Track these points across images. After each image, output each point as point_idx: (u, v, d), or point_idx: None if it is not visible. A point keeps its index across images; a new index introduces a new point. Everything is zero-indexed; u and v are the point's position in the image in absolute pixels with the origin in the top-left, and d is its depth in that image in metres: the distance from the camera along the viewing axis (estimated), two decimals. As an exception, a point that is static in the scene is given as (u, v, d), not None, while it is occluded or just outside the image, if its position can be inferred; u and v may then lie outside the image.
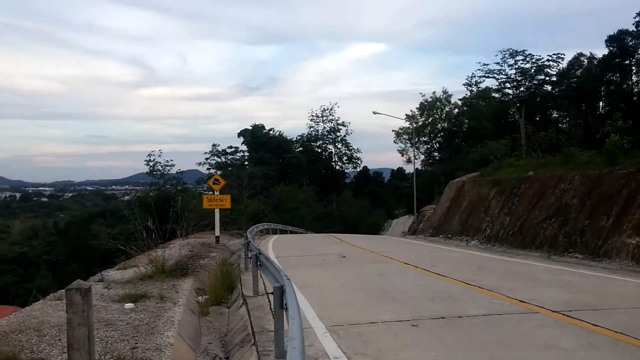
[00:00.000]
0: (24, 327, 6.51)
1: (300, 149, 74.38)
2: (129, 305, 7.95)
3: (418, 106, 66.81)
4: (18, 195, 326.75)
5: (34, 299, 8.46)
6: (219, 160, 63.50)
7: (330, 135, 77.29)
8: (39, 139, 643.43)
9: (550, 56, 49.22)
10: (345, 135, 77.27)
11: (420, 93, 68.46)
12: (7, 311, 9.59)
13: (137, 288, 9.19)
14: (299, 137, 76.88)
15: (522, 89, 50.54)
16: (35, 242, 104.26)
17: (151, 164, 46.75)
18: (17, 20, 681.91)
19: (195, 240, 19.05)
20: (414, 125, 62.18)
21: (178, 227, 15.65)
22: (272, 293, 5.55)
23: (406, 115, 65.62)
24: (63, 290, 6.47)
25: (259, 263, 9.39)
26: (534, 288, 9.41)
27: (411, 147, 63.32)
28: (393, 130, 69.31)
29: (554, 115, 53.95)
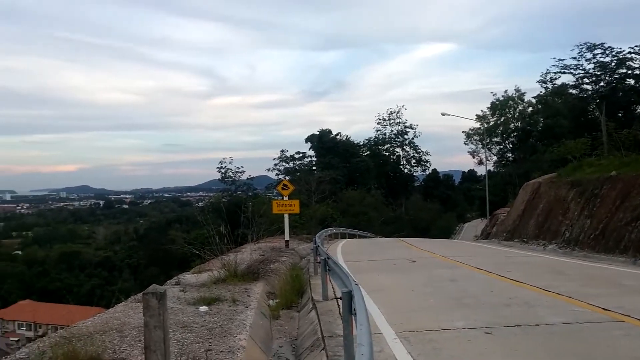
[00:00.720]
0: (107, 328, 6.89)
1: (368, 152, 74.10)
2: (203, 308, 8.22)
3: (489, 106, 64.63)
4: (102, 202, 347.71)
5: (116, 301, 8.94)
6: (288, 166, 64.49)
7: (398, 138, 76.51)
8: (120, 149, 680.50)
9: (633, 48, 46.14)
10: (413, 138, 76.29)
11: (491, 92, 65.90)
12: (92, 312, 10.18)
13: (211, 291, 9.49)
14: (366, 141, 76.67)
15: (602, 84, 47.68)
16: (117, 246, 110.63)
17: (223, 170, 48.42)
18: (99, 40, 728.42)
19: (265, 244, 19.44)
20: (485, 126, 60.26)
21: (249, 232, 16.02)
22: (341, 298, 5.55)
23: (477, 115, 63.69)
24: (142, 293, 6.79)
25: (327, 267, 9.43)
26: (619, 295, 8.83)
27: (483, 148, 61.43)
28: (463, 132, 67.43)
29: (639, 110, 50.48)
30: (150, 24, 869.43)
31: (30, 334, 65.37)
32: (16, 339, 65.49)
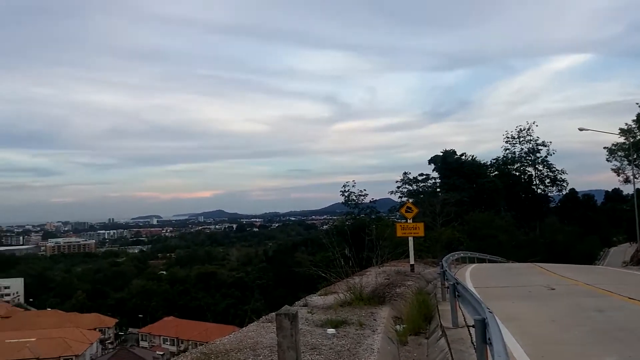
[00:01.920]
0: (242, 347, 7.20)
1: (496, 173, 70.67)
2: (330, 330, 8.27)
3: (635, 118, 58.52)
4: (235, 226, 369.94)
5: (249, 320, 9.33)
6: (411, 188, 63.57)
7: (529, 156, 72.07)
8: (251, 175, 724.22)
9: None
10: (546, 156, 71.35)
11: (637, 103, 59.60)
12: (228, 330, 10.73)
13: (338, 314, 9.53)
14: (494, 161, 73.19)
15: None
16: (249, 268, 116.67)
17: (346, 194, 49.10)
18: (234, 74, 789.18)
19: (390, 268, 19.19)
20: (631, 140, 54.57)
21: (373, 255, 15.94)
22: (472, 326, 5.25)
23: (620, 129, 57.95)
24: (273, 314, 7.02)
25: (456, 293, 9.03)
26: None
27: (629, 164, 55.60)
28: (605, 148, 61.65)
29: None
30: (277, 57, 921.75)
31: (174, 348, 70.89)
32: (161, 352, 71.39)
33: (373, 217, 47.29)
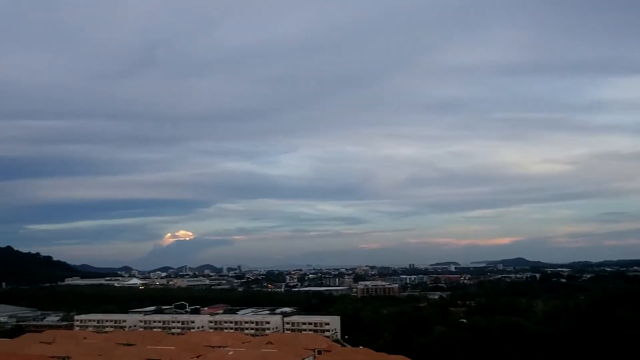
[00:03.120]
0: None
1: None
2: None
3: None
4: (537, 275, 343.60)
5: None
6: None
7: None
8: (553, 220, 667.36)
9: None
10: None
11: None
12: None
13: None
14: None
15: None
16: (558, 322, 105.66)
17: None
18: (531, 114, 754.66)
19: None
20: None
21: None
22: None
23: None
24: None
25: None
26: None
27: None
28: None
29: None
30: (577, 90, 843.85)
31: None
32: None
33: None
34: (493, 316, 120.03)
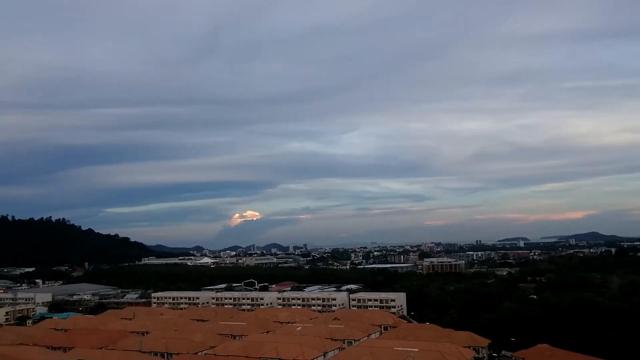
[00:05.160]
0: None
1: None
2: None
3: None
4: (613, 250, 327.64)
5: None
6: None
7: None
8: (629, 192, 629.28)
9: None
10: None
11: None
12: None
13: None
14: None
15: None
16: (635, 298, 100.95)
17: None
18: (608, 82, 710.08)
19: None
20: None
21: None
22: None
23: None
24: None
25: None
26: None
27: None
28: None
29: None
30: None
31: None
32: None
33: None
34: (565, 292, 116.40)
